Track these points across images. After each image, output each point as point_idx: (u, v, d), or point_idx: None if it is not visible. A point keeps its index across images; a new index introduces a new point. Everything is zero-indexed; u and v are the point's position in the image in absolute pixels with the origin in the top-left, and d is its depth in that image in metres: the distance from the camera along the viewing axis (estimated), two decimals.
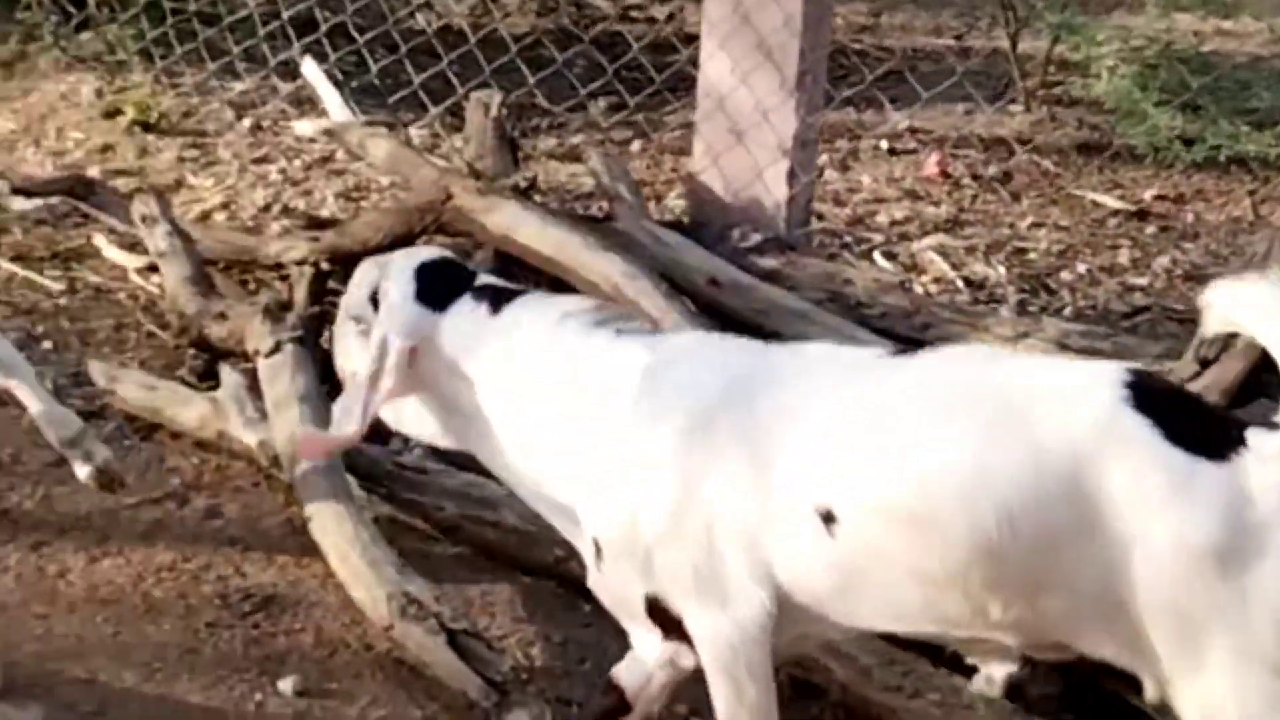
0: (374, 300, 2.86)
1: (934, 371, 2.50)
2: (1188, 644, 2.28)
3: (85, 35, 5.85)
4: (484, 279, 2.90)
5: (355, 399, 2.79)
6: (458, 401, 2.80)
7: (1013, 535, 2.31)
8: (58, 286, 4.54)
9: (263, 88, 5.65)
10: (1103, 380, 2.37)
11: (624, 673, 2.77)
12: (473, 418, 2.79)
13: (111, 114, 5.46)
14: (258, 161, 5.28)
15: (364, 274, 2.93)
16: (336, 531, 3.32)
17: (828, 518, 2.44)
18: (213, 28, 5.64)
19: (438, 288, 2.83)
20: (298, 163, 5.29)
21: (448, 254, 3.01)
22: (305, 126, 4.88)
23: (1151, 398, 2.34)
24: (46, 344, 4.31)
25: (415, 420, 2.91)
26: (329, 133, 4.60)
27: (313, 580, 3.50)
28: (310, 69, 4.93)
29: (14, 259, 4.65)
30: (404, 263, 2.89)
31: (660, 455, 2.57)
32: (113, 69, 5.76)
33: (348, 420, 2.81)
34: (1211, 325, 2.41)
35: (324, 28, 5.42)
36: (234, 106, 5.57)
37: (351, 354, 2.92)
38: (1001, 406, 2.38)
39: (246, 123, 5.50)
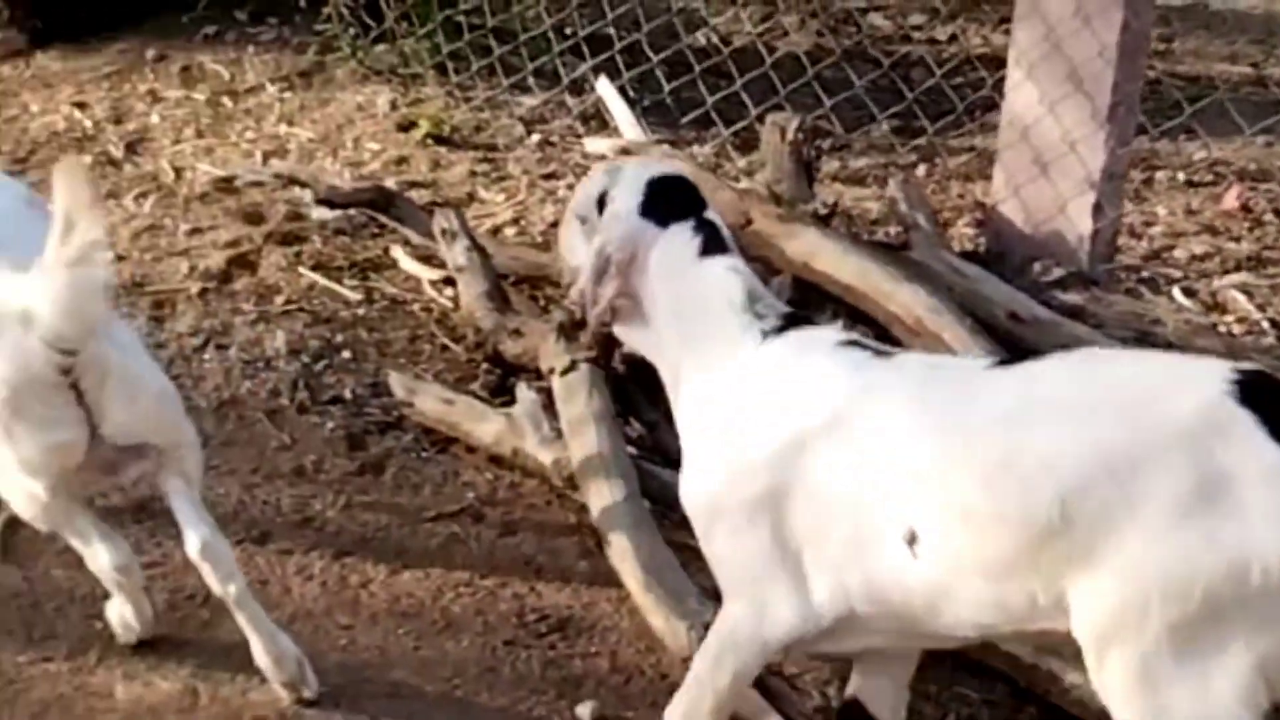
0: (601, 203, 2.94)
1: (1041, 375, 2.56)
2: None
3: (381, 48, 5.97)
4: (712, 214, 2.94)
5: (583, 281, 2.91)
6: (653, 317, 2.90)
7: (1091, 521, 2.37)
8: (355, 296, 4.62)
9: (552, 104, 5.69)
10: (1212, 374, 2.41)
11: None
12: (659, 337, 2.91)
13: (406, 126, 5.56)
14: (547, 177, 5.32)
15: (597, 176, 3.04)
16: (636, 558, 3.31)
17: (911, 539, 2.53)
18: (506, 44, 5.70)
19: (664, 204, 2.90)
20: None
21: (683, 173, 3.06)
22: (598, 144, 4.89)
23: (1259, 394, 2.36)
24: (345, 353, 4.39)
25: (628, 330, 2.99)
26: (625, 151, 4.60)
27: (607, 604, 3.50)
28: (605, 87, 4.95)
29: (314, 267, 4.75)
30: (637, 172, 2.97)
31: (762, 450, 2.67)
32: (407, 82, 5.87)
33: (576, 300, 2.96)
34: None
35: (617, 46, 5.43)
36: (524, 122, 5.62)
37: (575, 250, 3.02)
38: (1112, 402, 2.43)
39: (535, 138, 5.55)
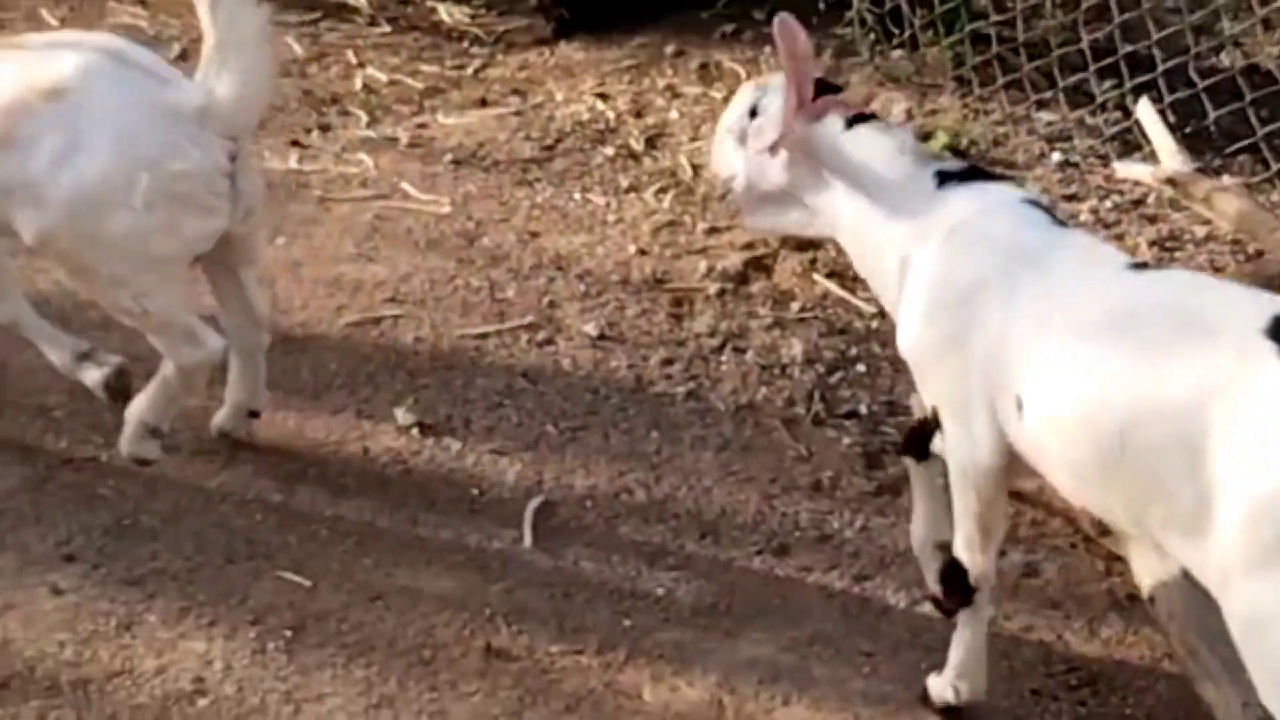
0: (752, 114, 3.27)
1: (1141, 289, 2.75)
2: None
3: (899, 54, 5.89)
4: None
5: (744, 183, 3.28)
6: (818, 195, 3.20)
7: (1132, 447, 2.55)
8: (870, 309, 4.55)
9: (1075, 123, 5.49)
10: (1259, 305, 2.53)
11: None
12: (830, 212, 3.19)
13: (922, 137, 5.46)
14: (1068, 198, 5.13)
15: (743, 94, 3.36)
16: (1185, 620, 3.13)
17: (1019, 404, 2.77)
18: (1035, 60, 5.52)
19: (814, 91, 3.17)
20: (1109, 203, 5.10)
21: (823, 78, 3.31)
22: (1136, 169, 4.67)
23: None
24: (860, 366, 4.34)
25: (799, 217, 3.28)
26: (1171, 181, 4.38)
27: (1141, 662, 3.33)
28: (1145, 110, 4.73)
29: (829, 275, 4.71)
30: (782, 81, 3.22)
31: (936, 306, 2.95)
32: (925, 91, 5.77)
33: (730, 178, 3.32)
34: None
35: (1160, 69, 5.19)
36: (1045, 139, 5.44)
37: (728, 164, 3.33)
38: (1167, 327, 2.59)
39: (1057, 157, 5.36)
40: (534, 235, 4.93)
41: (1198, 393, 2.48)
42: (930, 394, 3.05)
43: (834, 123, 3.16)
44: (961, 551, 3.06)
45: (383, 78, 6.07)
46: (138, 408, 3.71)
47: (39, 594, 3.39)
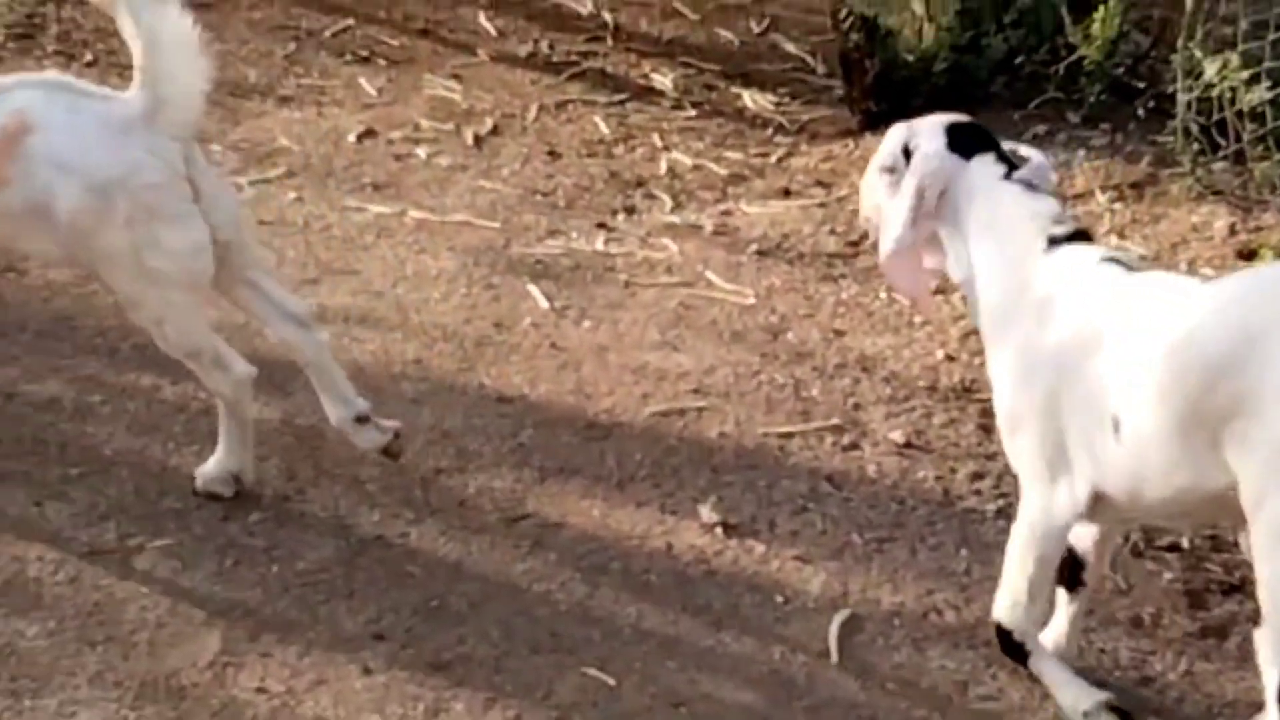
0: (906, 153, 3.40)
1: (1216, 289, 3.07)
2: None
3: (1221, 166, 5.68)
4: (1009, 146, 3.43)
5: (894, 226, 3.35)
6: (956, 242, 3.36)
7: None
8: None
9: None
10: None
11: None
12: (964, 260, 3.36)
13: (1246, 254, 5.25)
14: None
15: (896, 133, 3.47)
16: None
17: (1115, 424, 3.03)
18: None
19: (964, 142, 3.38)
20: None
21: (974, 121, 3.50)
22: None
23: None
24: None
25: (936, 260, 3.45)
26: None
27: None
28: None
29: None
30: (935, 121, 3.43)
31: (1035, 365, 3.19)
32: (1248, 206, 5.54)
33: (886, 241, 3.39)
34: None
35: None
36: None
37: (875, 204, 3.49)
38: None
39: None
40: (839, 333, 4.86)
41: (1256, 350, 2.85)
42: (1016, 455, 3.29)
43: (989, 175, 3.34)
44: (1004, 615, 3.33)
45: (687, 162, 6.09)
46: (219, 454, 3.87)
47: (350, 671, 3.41)
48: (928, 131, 3.40)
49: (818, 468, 4.18)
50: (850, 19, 6.32)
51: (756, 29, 7.46)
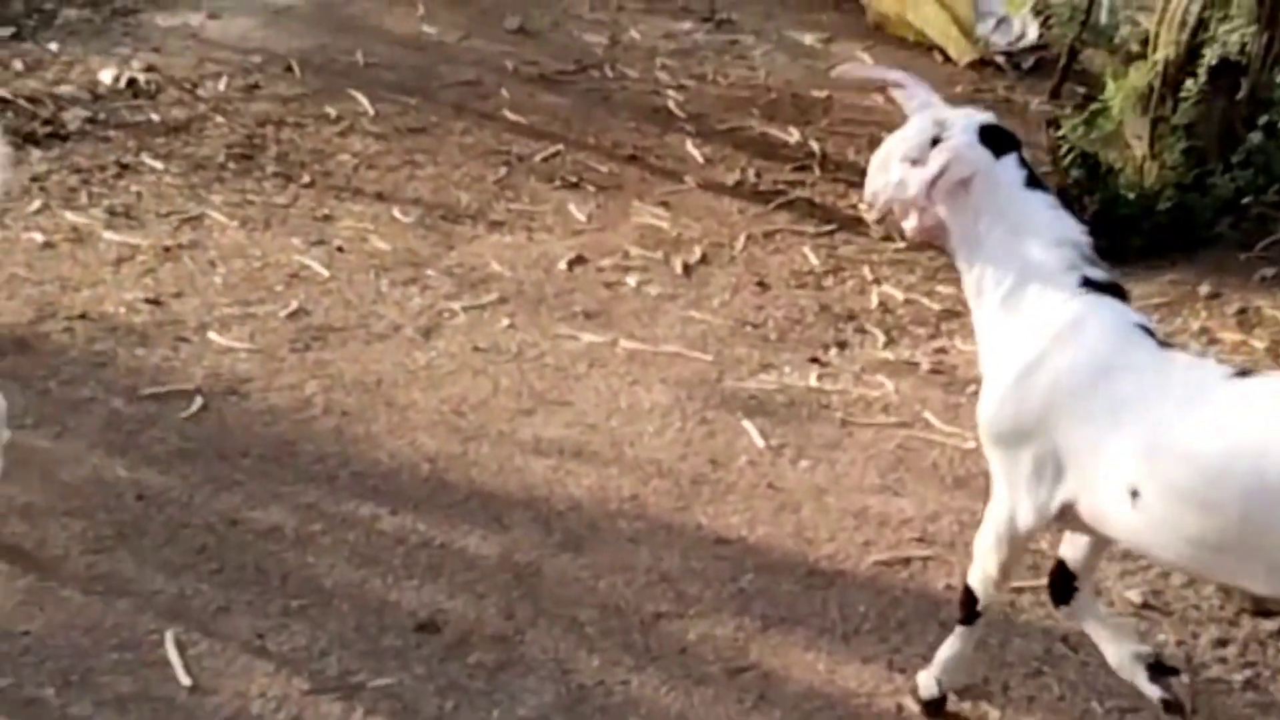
0: (934, 144, 3.43)
1: (1248, 393, 3.09)
2: None
3: None
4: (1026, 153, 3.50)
5: (911, 189, 3.46)
6: (969, 235, 3.44)
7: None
8: None
9: None
10: None
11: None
12: (971, 253, 3.45)
13: None
14: None
15: (922, 124, 3.49)
16: None
17: (1134, 494, 3.13)
18: None
19: (994, 140, 3.44)
20: None
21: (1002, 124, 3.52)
22: None
23: None
24: None
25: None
26: None
27: None
28: None
29: None
30: (967, 118, 3.48)
31: (1040, 393, 3.29)
32: None
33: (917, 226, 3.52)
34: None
35: None
36: None
37: (894, 186, 3.52)
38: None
39: None
40: None
41: None
42: (995, 460, 3.44)
43: (1014, 177, 3.42)
44: (977, 584, 3.54)
45: (899, 296, 5.99)
46: None
47: None
48: (960, 125, 3.47)
49: (1051, 627, 4.01)
50: (1070, 154, 6.20)
51: None
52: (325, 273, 5.78)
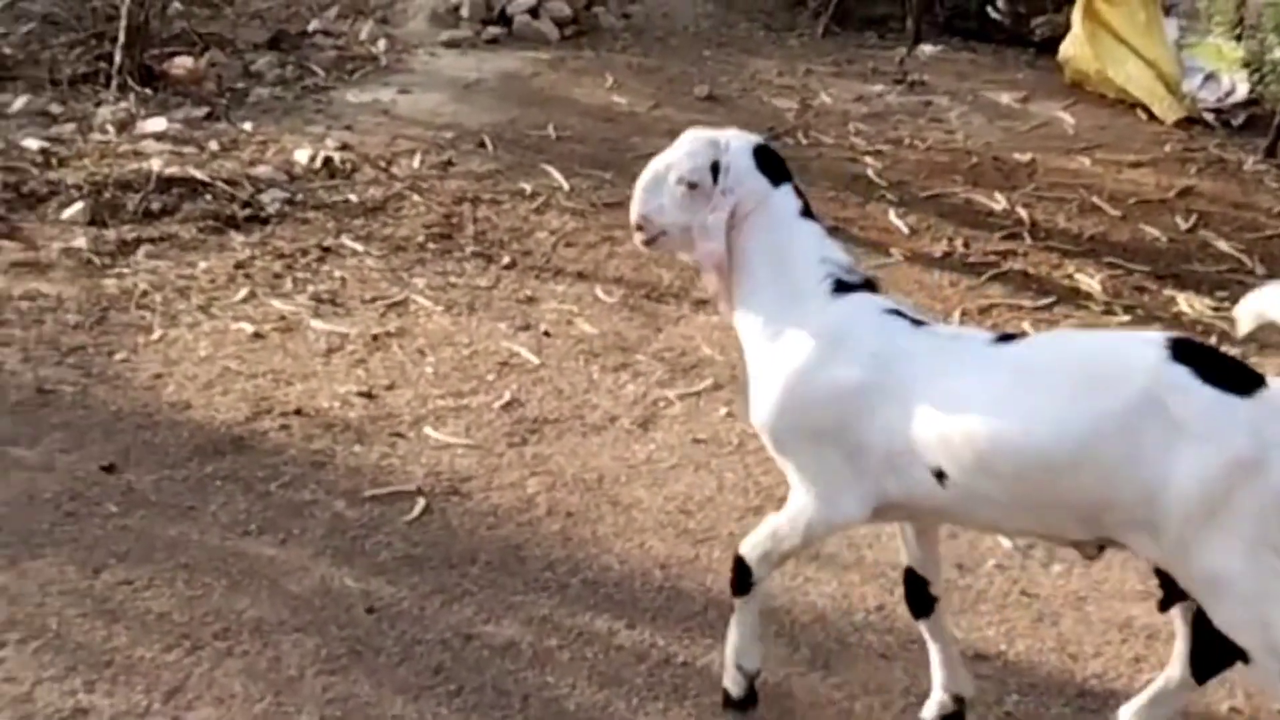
0: (713, 169, 3.54)
1: (1027, 353, 3.37)
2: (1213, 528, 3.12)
3: None
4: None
5: (714, 238, 3.54)
6: (741, 263, 3.57)
7: (1089, 471, 3.18)
8: None
9: None
10: (1150, 344, 3.22)
11: None
12: (742, 280, 3.59)
13: None
14: None
15: (699, 146, 3.58)
16: None
17: (939, 474, 3.32)
18: None
19: (770, 167, 3.60)
20: None
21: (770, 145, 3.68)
22: None
23: (1189, 353, 3.18)
24: None
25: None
26: None
27: None
28: None
29: None
30: (742, 141, 3.60)
31: (815, 398, 3.45)
32: None
33: (705, 258, 3.58)
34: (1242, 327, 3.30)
35: None
36: None
37: (665, 211, 3.62)
38: (1077, 376, 3.23)
39: None
40: None
41: (1132, 416, 3.14)
42: (787, 467, 3.56)
43: (790, 207, 3.57)
44: (755, 560, 3.62)
45: None
46: None
47: None
48: (739, 150, 3.57)
49: None
50: None
51: (1184, 225, 7.07)
52: (535, 360, 5.64)
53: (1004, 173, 7.62)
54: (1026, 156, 7.78)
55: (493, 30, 9.25)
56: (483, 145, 7.64)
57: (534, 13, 9.30)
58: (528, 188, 7.18)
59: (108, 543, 4.39)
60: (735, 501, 4.78)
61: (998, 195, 7.27)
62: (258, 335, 5.71)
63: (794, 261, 3.54)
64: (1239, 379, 3.15)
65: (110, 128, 7.52)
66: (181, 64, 8.27)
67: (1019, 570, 4.45)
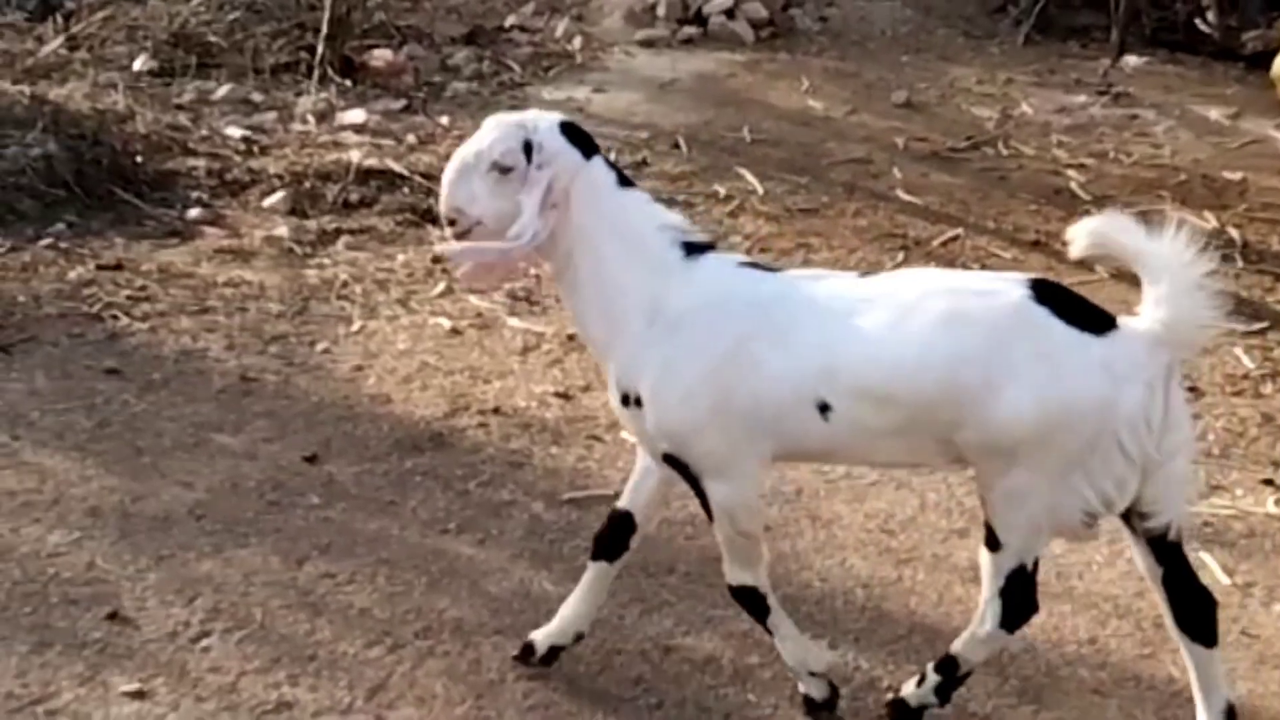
0: (526, 149, 3.49)
1: (896, 285, 3.53)
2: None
3: None
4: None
5: (528, 219, 3.45)
6: (566, 238, 3.52)
7: (953, 396, 3.39)
8: None
9: None
10: (1013, 283, 3.46)
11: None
12: (571, 257, 3.54)
13: None
14: None
15: (504, 128, 3.53)
16: None
17: (824, 408, 3.44)
18: None
19: (579, 141, 3.57)
20: None
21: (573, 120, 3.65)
22: None
23: (1049, 294, 3.42)
24: None
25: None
26: None
27: None
28: None
29: None
30: (548, 120, 3.57)
31: (705, 371, 3.48)
32: None
33: (524, 234, 3.46)
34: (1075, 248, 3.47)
35: None
36: None
37: (477, 199, 3.52)
38: (944, 308, 3.41)
39: None
40: None
41: (987, 347, 3.37)
42: (694, 456, 3.53)
43: (607, 178, 3.56)
44: (746, 578, 3.66)
45: None
46: None
47: None
48: (547, 129, 3.53)
49: None
50: None
51: None
52: None
53: (1213, 191, 7.39)
54: (1237, 175, 7.53)
55: (688, 30, 9.21)
56: (677, 146, 7.59)
57: (730, 13, 9.24)
58: (722, 190, 7.11)
59: (310, 534, 4.41)
60: (938, 523, 4.66)
61: (1207, 214, 7.03)
62: (455, 331, 5.71)
63: (632, 232, 3.53)
64: (1094, 320, 3.40)
65: (310, 118, 7.61)
66: (380, 56, 8.34)
67: (1238, 608, 4.27)
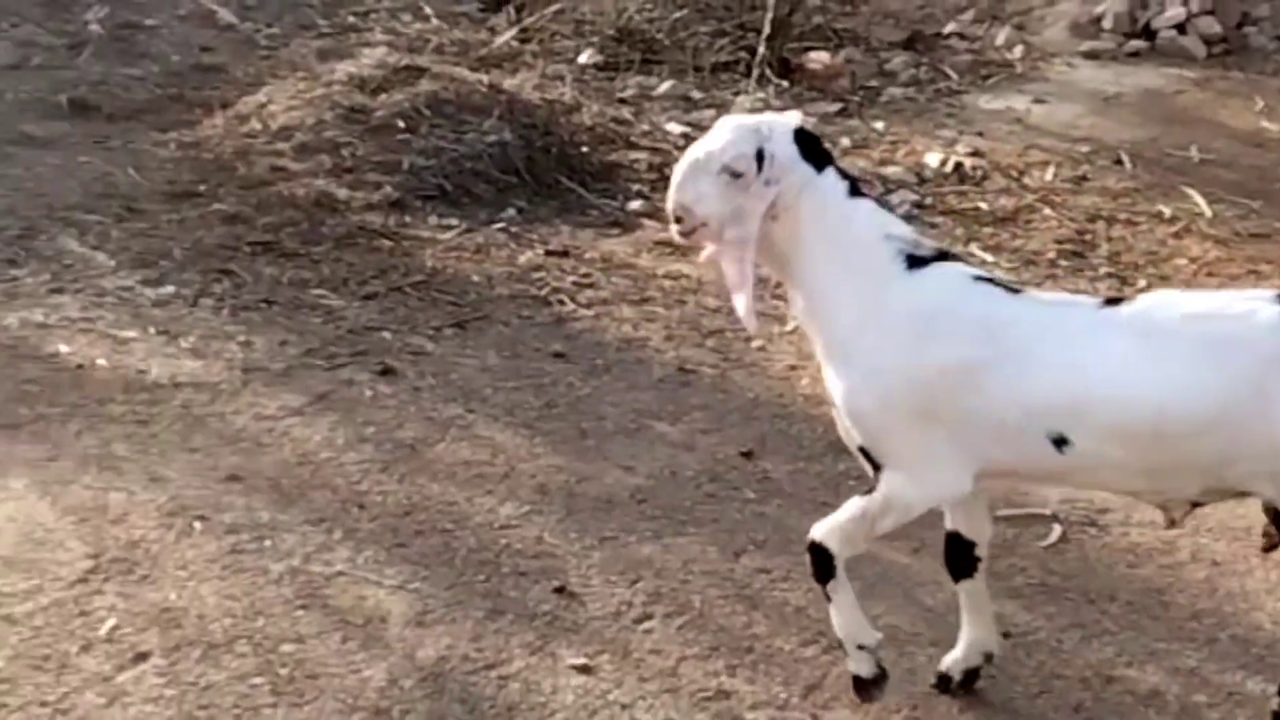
0: (759, 158, 3.42)
1: (1140, 311, 3.37)
2: None
3: None
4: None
5: (748, 224, 3.43)
6: (796, 250, 3.48)
7: (1217, 429, 3.23)
8: None
9: None
10: (1263, 300, 3.30)
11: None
12: (801, 266, 3.51)
13: None
14: None
15: (740, 132, 3.47)
16: None
17: (1059, 441, 3.33)
18: None
19: (813, 152, 3.49)
20: None
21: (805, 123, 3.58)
22: None
23: None
24: None
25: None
26: None
27: None
28: None
29: None
30: (784, 127, 3.49)
31: (911, 381, 3.40)
32: None
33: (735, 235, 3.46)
34: None
35: None
36: None
37: (710, 199, 3.46)
38: (1194, 337, 3.26)
39: None
40: None
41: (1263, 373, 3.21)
42: (883, 453, 3.47)
43: (837, 189, 3.47)
44: (836, 544, 3.54)
45: None
46: None
47: None
48: (781, 136, 3.44)
49: None
50: None
51: None
52: None
53: None
54: None
55: (1135, 44, 8.95)
56: (1119, 162, 7.38)
57: (1181, 28, 8.91)
58: (1166, 210, 6.87)
59: (746, 528, 4.46)
60: None
61: None
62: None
63: (856, 243, 3.46)
64: None
65: None
66: (818, 59, 8.39)
67: None
